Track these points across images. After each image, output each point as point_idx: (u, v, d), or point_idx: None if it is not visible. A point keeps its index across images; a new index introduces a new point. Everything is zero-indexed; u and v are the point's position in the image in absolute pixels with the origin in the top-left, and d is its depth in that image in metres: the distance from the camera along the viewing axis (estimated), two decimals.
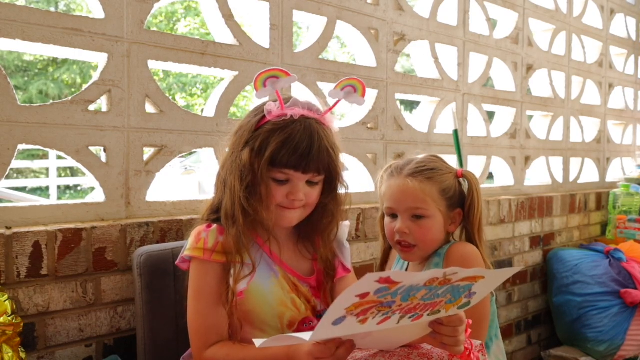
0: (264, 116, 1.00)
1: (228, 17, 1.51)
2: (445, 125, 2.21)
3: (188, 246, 1.04)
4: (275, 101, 1.01)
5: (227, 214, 1.01)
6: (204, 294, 1.01)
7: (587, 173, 3.10)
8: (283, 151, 0.96)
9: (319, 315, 1.08)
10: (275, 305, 1.03)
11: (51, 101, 1.25)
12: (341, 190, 1.10)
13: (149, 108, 1.37)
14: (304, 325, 1.05)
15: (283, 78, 1.00)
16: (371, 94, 1.90)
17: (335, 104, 1.08)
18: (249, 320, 1.03)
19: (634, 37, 3.41)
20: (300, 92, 1.70)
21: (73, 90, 10.61)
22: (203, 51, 1.45)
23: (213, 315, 1.01)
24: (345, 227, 1.16)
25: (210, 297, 1.01)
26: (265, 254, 1.06)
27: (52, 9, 1.41)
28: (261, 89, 1.00)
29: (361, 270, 1.77)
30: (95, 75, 1.29)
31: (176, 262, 1.10)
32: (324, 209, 1.08)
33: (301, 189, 1.01)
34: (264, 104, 1.02)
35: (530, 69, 2.57)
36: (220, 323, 1.02)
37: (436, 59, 2.12)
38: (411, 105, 10.67)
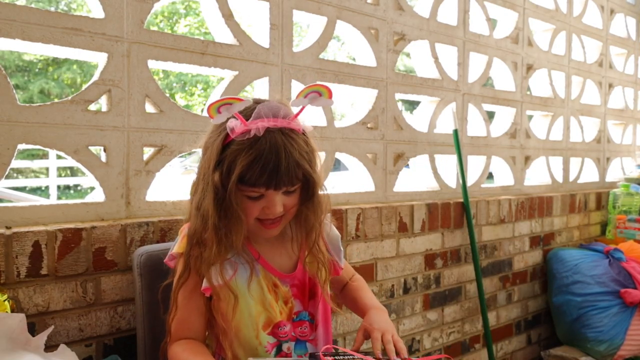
0: (228, 134, 0.96)
1: (228, 16, 1.51)
2: (445, 125, 2.21)
3: (176, 244, 1.06)
4: (236, 118, 0.97)
5: (199, 240, 1.00)
6: (183, 287, 1.03)
7: (587, 173, 3.10)
8: (250, 172, 0.93)
9: (295, 319, 1.08)
10: (252, 305, 1.04)
11: (51, 101, 1.25)
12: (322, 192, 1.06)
13: (149, 108, 1.37)
14: (278, 328, 1.06)
15: (236, 104, 0.95)
16: (371, 94, 1.90)
17: (300, 110, 1.03)
18: (226, 319, 1.03)
19: (634, 37, 3.41)
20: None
21: (74, 89, 10.61)
22: (203, 51, 1.45)
23: (186, 310, 1.03)
24: (336, 236, 1.16)
25: (186, 292, 1.03)
26: (248, 252, 1.06)
27: (52, 9, 1.41)
28: (216, 116, 0.96)
29: (361, 270, 1.77)
30: (95, 75, 1.29)
31: (164, 260, 1.10)
32: (306, 218, 1.06)
33: (277, 201, 0.98)
34: (227, 120, 0.97)
35: (530, 68, 2.57)
36: (191, 318, 1.03)
37: (436, 58, 2.12)
38: (412, 105, 10.68)
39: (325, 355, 0.95)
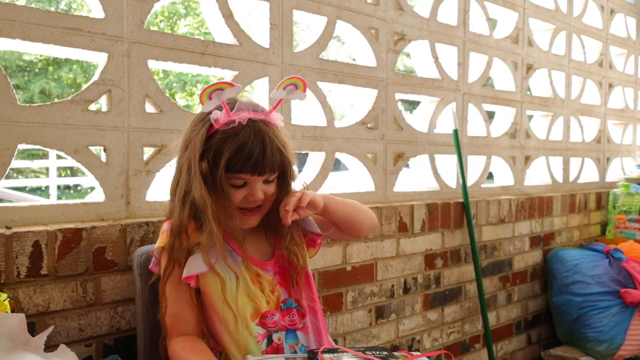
0: (212, 125, 1.00)
1: (228, 16, 1.51)
2: (445, 125, 2.21)
3: (157, 243, 1.08)
4: (220, 109, 1.01)
5: (181, 232, 1.03)
6: (170, 280, 1.05)
7: (587, 173, 3.10)
8: (237, 159, 0.98)
9: (282, 307, 1.09)
10: (237, 296, 1.05)
11: (51, 101, 1.25)
12: (297, 187, 1.13)
13: (149, 108, 1.37)
14: (266, 319, 1.07)
15: (228, 89, 1.00)
16: (371, 94, 1.90)
17: (279, 102, 1.10)
18: (214, 309, 1.05)
19: (634, 37, 3.41)
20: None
21: (74, 90, 10.60)
22: (203, 51, 1.45)
23: (177, 302, 1.04)
24: None
25: (174, 284, 1.04)
26: (228, 245, 1.08)
27: (52, 9, 1.41)
28: (207, 102, 0.99)
29: (361, 270, 1.77)
30: (95, 75, 1.29)
31: (150, 267, 1.11)
32: (278, 205, 1.10)
33: (259, 189, 1.03)
34: (208, 112, 1.02)
35: (530, 68, 2.57)
36: (184, 310, 1.04)
37: (436, 58, 2.12)
38: (412, 105, 10.68)
39: (323, 352, 0.95)
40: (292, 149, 1.08)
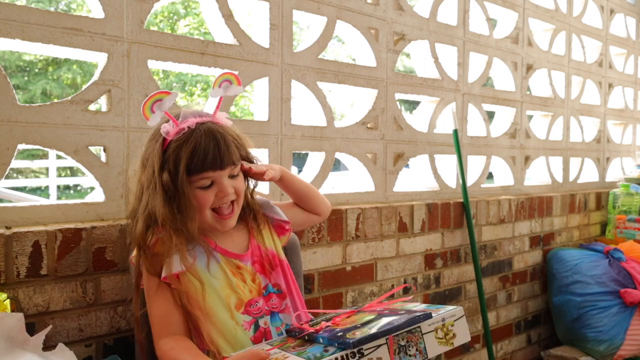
0: (165, 138, 1.04)
1: (228, 16, 1.52)
2: (445, 125, 2.21)
3: (134, 252, 1.10)
4: (167, 121, 1.05)
5: (143, 244, 1.07)
6: (150, 288, 1.07)
7: (587, 173, 3.10)
8: (195, 160, 1.02)
9: (264, 293, 1.13)
10: (219, 288, 1.08)
11: (51, 101, 1.25)
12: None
13: None
14: (250, 306, 1.10)
15: (166, 98, 1.05)
16: (371, 94, 1.90)
17: (219, 102, 1.13)
18: (198, 307, 1.06)
19: (633, 37, 3.41)
20: (300, 92, 1.70)
21: (74, 90, 10.60)
22: (203, 51, 1.45)
23: (162, 306, 1.06)
24: (265, 202, 1.25)
25: (152, 289, 1.07)
26: (206, 242, 1.11)
27: (52, 9, 1.41)
28: (151, 116, 1.04)
29: (361, 270, 1.77)
30: (95, 75, 1.29)
31: (134, 280, 1.12)
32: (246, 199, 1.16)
33: (227, 184, 1.06)
34: (159, 128, 1.06)
35: (530, 68, 2.57)
36: (167, 312, 1.06)
37: (436, 58, 2.12)
38: (412, 105, 10.68)
39: (301, 323, 0.98)
40: (248, 142, 1.14)
